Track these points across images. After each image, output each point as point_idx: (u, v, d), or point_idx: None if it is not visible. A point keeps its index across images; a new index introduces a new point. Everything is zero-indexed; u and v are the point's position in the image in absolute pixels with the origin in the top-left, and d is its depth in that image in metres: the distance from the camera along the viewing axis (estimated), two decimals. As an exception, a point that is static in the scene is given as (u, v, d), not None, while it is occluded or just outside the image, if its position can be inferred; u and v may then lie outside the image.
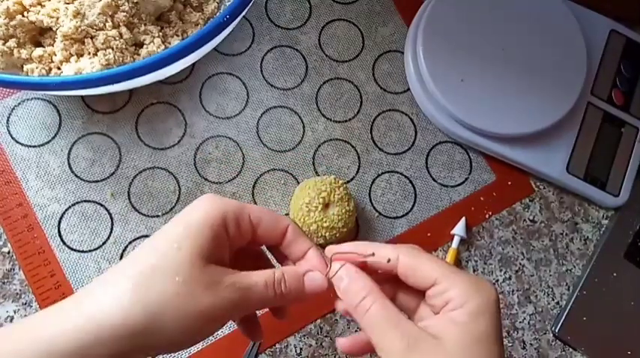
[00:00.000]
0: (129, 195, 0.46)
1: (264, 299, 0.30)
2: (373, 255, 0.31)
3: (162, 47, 0.42)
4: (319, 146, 0.49)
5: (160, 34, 0.43)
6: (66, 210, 0.45)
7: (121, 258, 0.45)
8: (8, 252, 0.44)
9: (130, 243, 0.45)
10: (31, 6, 0.41)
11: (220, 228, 0.29)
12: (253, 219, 0.31)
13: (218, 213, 0.29)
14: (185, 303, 0.27)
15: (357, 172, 0.49)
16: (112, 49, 0.41)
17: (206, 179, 0.47)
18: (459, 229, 0.48)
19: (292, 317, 0.45)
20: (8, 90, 0.46)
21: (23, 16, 0.41)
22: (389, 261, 0.30)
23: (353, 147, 0.50)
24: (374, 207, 0.49)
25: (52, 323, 0.26)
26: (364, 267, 0.31)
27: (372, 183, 0.49)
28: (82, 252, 0.44)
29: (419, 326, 0.29)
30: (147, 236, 0.45)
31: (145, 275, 0.27)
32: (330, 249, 0.32)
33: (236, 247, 0.31)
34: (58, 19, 0.41)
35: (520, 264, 0.50)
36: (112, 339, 0.26)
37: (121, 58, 0.41)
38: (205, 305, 0.27)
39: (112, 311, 0.26)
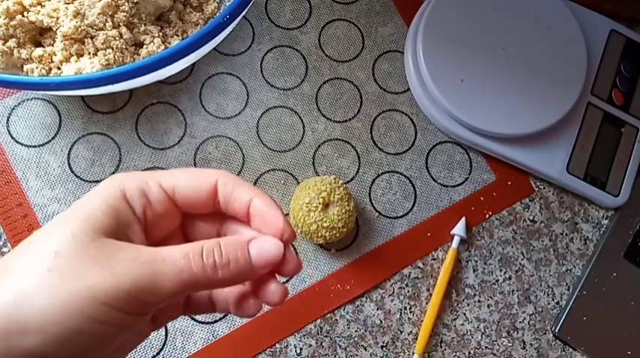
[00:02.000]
0: (129, 195, 0.46)
1: (187, 277, 0.23)
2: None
3: (162, 47, 0.42)
4: (319, 146, 0.49)
5: (160, 34, 0.43)
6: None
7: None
8: (8, 252, 0.44)
9: (130, 243, 0.45)
10: (31, 6, 0.41)
11: (119, 203, 0.24)
12: (165, 186, 0.25)
13: (115, 187, 0.25)
14: (61, 280, 0.22)
15: (357, 172, 0.49)
16: (112, 49, 0.41)
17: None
18: (459, 229, 0.48)
19: (292, 318, 0.45)
20: (8, 90, 0.46)
21: (23, 16, 0.41)
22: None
23: (353, 147, 0.50)
24: (374, 207, 0.49)
25: None
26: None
27: (372, 183, 0.49)
28: (82, 252, 0.44)
29: None
30: (147, 236, 0.45)
31: (16, 253, 0.23)
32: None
33: (166, 226, 0.26)
34: (58, 19, 0.41)
35: (520, 264, 0.50)
36: None
37: (121, 58, 0.41)
38: (90, 282, 0.22)
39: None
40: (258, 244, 0.25)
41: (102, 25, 0.41)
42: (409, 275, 0.48)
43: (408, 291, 0.47)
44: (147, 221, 0.25)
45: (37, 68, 0.41)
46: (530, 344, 0.48)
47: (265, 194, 0.27)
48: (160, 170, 0.27)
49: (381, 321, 0.47)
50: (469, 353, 0.47)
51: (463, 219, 0.49)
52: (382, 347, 0.46)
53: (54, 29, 0.41)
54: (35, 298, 0.21)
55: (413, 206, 0.49)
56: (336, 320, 0.46)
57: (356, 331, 0.46)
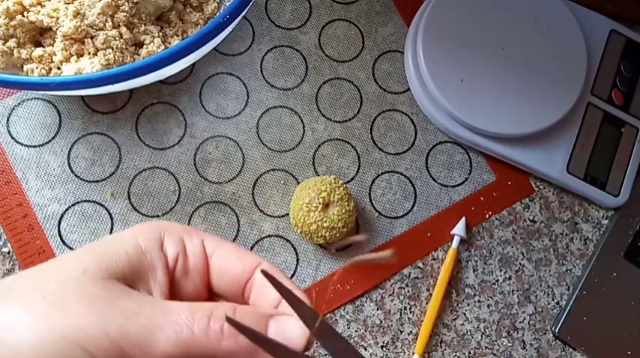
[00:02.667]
0: (129, 195, 0.46)
1: (186, 339, 0.20)
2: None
3: (162, 47, 0.42)
4: (319, 146, 0.49)
5: (160, 34, 0.43)
6: (66, 210, 0.45)
7: (121, 258, 0.45)
8: (8, 252, 0.44)
9: (130, 243, 0.45)
10: (31, 6, 0.41)
11: (152, 246, 0.23)
12: (207, 244, 0.24)
13: (154, 229, 0.23)
14: (50, 311, 0.20)
15: (357, 172, 0.49)
16: (112, 49, 0.41)
17: (206, 179, 0.47)
18: (459, 229, 0.48)
19: (292, 317, 0.45)
20: (8, 90, 0.46)
21: (23, 16, 0.41)
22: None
23: (353, 147, 0.50)
24: (374, 207, 0.49)
25: None
26: None
27: (372, 183, 0.49)
28: (82, 252, 0.44)
29: None
30: (147, 236, 0.45)
31: (27, 274, 0.22)
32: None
33: (193, 288, 0.24)
34: (58, 19, 0.41)
35: (520, 264, 0.50)
36: None
37: (121, 58, 0.41)
38: (78, 321, 0.20)
39: None
40: (281, 322, 0.21)
41: (102, 25, 0.41)
42: (409, 276, 0.48)
43: (408, 291, 0.47)
44: (175, 272, 0.23)
45: (37, 68, 0.41)
46: (530, 344, 0.48)
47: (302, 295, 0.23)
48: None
49: (381, 321, 0.47)
50: (469, 353, 0.47)
51: (463, 219, 0.49)
52: (382, 347, 0.46)
53: (54, 29, 0.41)
54: (18, 326, 0.20)
55: (413, 206, 0.49)
56: (336, 320, 0.46)
57: (356, 331, 0.46)
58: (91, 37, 0.41)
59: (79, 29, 0.40)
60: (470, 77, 0.49)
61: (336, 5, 0.52)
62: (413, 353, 0.46)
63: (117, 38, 0.41)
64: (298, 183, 0.48)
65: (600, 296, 0.49)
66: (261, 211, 0.47)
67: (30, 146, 0.46)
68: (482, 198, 0.50)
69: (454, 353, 0.47)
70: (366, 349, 0.46)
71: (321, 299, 0.46)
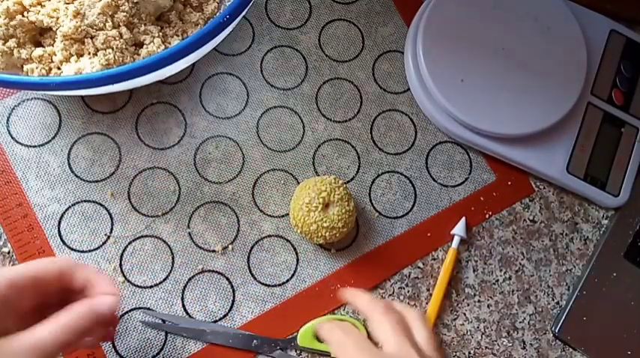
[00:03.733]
0: (129, 195, 0.46)
1: (59, 344, 0.30)
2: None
3: (162, 47, 0.42)
4: (319, 146, 0.49)
5: (160, 34, 0.43)
6: (66, 210, 0.45)
7: (121, 258, 0.45)
8: (8, 252, 0.44)
9: (129, 243, 0.45)
10: (31, 6, 0.41)
11: None
12: (25, 278, 0.32)
13: None
14: None
15: (357, 172, 0.49)
16: (112, 49, 0.41)
17: (206, 179, 0.47)
18: (459, 229, 0.48)
19: (292, 318, 0.45)
20: (8, 90, 0.46)
21: (23, 16, 0.41)
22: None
23: (353, 147, 0.50)
24: (374, 207, 0.49)
25: None
26: None
27: (372, 183, 0.49)
28: (82, 252, 0.44)
29: None
30: (147, 236, 0.45)
31: None
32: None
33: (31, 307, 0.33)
34: (58, 19, 0.41)
35: (520, 264, 0.50)
36: None
37: (121, 58, 0.41)
38: None
39: None
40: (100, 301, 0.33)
41: (102, 25, 0.41)
42: (409, 275, 0.48)
43: (408, 291, 0.47)
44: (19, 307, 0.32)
45: (37, 68, 0.41)
46: (530, 344, 0.48)
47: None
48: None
49: (381, 321, 0.47)
50: (469, 353, 0.47)
51: (463, 219, 0.49)
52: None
53: (54, 29, 0.41)
54: None
55: (413, 206, 0.49)
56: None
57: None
58: (91, 37, 0.41)
59: (79, 29, 0.40)
60: (470, 77, 0.49)
61: (336, 5, 0.52)
62: (413, 353, 0.46)
63: (117, 38, 0.41)
64: (298, 183, 0.48)
65: (600, 296, 0.49)
66: (261, 211, 0.47)
67: (30, 146, 0.46)
68: (482, 198, 0.50)
69: (454, 353, 0.47)
70: (366, 349, 0.46)
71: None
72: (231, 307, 0.45)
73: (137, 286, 0.44)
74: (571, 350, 0.48)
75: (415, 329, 0.35)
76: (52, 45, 0.42)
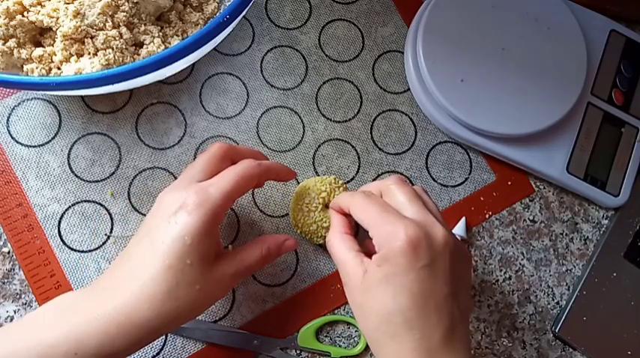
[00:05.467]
0: (129, 195, 0.46)
1: (255, 268, 0.37)
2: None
3: (162, 47, 0.42)
4: (319, 146, 0.49)
5: (160, 34, 0.43)
6: (66, 210, 0.45)
7: (121, 258, 0.45)
8: (8, 252, 0.44)
9: (130, 243, 0.45)
10: (31, 6, 0.41)
11: (215, 228, 0.35)
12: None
13: (212, 220, 0.34)
14: (205, 300, 0.35)
15: (357, 172, 0.49)
16: (112, 49, 0.41)
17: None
18: (459, 229, 0.48)
19: (292, 318, 0.45)
20: (8, 90, 0.46)
21: (23, 16, 0.41)
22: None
23: (353, 147, 0.50)
24: (374, 207, 0.49)
25: (88, 314, 0.32)
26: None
27: (372, 183, 0.49)
28: (82, 252, 0.44)
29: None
30: (147, 236, 0.45)
31: (171, 288, 0.32)
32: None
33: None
34: (58, 19, 0.41)
35: (520, 264, 0.50)
36: (139, 332, 0.32)
37: (121, 58, 0.41)
38: (219, 295, 0.36)
39: (148, 314, 0.32)
40: (288, 244, 0.40)
41: (102, 25, 0.41)
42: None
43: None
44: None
45: (37, 68, 0.41)
46: (530, 344, 0.48)
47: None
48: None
49: (381, 321, 0.47)
50: (469, 353, 0.47)
51: (463, 219, 0.49)
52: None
53: (54, 29, 0.41)
54: (191, 314, 0.35)
55: (413, 206, 0.49)
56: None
57: (356, 331, 0.46)
58: (91, 37, 0.41)
59: (79, 29, 0.40)
60: (470, 77, 0.49)
61: (336, 5, 0.52)
62: (413, 353, 0.46)
63: (117, 38, 0.41)
64: (298, 183, 0.48)
65: (600, 296, 0.49)
66: (261, 211, 0.47)
67: (30, 146, 0.46)
68: (482, 198, 0.50)
69: (454, 353, 0.47)
70: (366, 349, 0.46)
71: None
72: (231, 307, 0.45)
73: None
74: (571, 350, 0.48)
75: (395, 197, 0.37)
76: (52, 45, 0.42)
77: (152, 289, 0.32)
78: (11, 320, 0.43)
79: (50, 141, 0.46)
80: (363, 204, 0.36)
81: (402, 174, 0.50)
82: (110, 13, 0.41)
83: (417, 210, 0.35)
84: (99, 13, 0.40)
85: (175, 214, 0.33)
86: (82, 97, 0.47)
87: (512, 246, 0.50)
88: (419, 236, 0.33)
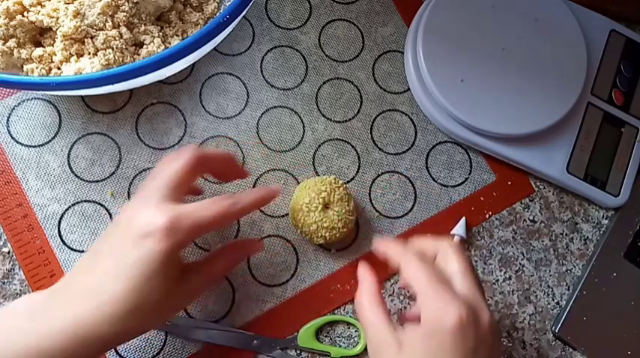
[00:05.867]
0: (129, 195, 0.46)
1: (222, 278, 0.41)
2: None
3: (162, 47, 0.42)
4: (319, 146, 0.49)
5: (160, 34, 0.43)
6: (66, 210, 0.45)
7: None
8: (8, 252, 0.44)
9: (130, 243, 0.45)
10: (31, 6, 0.41)
11: (180, 251, 0.35)
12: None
13: (178, 249, 0.34)
14: (170, 314, 0.37)
15: (357, 172, 0.49)
16: (112, 49, 0.41)
17: (206, 179, 0.47)
18: (459, 229, 0.48)
19: (292, 318, 0.45)
20: (8, 90, 0.46)
21: (23, 16, 0.41)
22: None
23: (353, 147, 0.50)
24: (374, 207, 0.49)
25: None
26: None
27: (372, 183, 0.49)
28: (82, 252, 0.44)
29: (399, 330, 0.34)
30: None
31: (133, 309, 0.33)
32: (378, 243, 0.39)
33: None
34: (58, 19, 0.41)
35: (520, 264, 0.50)
36: (101, 345, 0.33)
37: (121, 58, 0.41)
38: (185, 305, 0.39)
39: (110, 330, 0.32)
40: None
41: (102, 25, 0.41)
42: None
43: (408, 291, 0.47)
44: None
45: (37, 68, 0.41)
46: (530, 344, 0.48)
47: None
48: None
49: (381, 321, 0.47)
50: (469, 353, 0.47)
51: (463, 219, 0.49)
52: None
53: (54, 29, 0.41)
54: (156, 320, 0.37)
55: (413, 206, 0.49)
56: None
57: (356, 331, 0.46)
58: (91, 37, 0.41)
59: (79, 29, 0.40)
60: (470, 77, 0.49)
61: (336, 5, 0.52)
62: (413, 353, 0.46)
63: (117, 38, 0.41)
64: (298, 183, 0.48)
65: (600, 296, 0.49)
66: (261, 211, 0.47)
67: (30, 146, 0.46)
68: (482, 198, 0.50)
69: (454, 353, 0.47)
70: (366, 349, 0.46)
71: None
72: (231, 307, 0.45)
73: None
74: (571, 350, 0.48)
75: (449, 263, 0.36)
76: (52, 45, 0.42)
77: (113, 309, 0.32)
78: (11, 320, 0.43)
79: (50, 141, 0.46)
80: (417, 268, 0.35)
81: (401, 174, 0.50)
82: (110, 13, 0.41)
83: (468, 287, 0.34)
84: (99, 13, 0.40)
85: (144, 238, 0.33)
86: (82, 97, 0.47)
87: (512, 246, 0.50)
88: (469, 318, 0.32)
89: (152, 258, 0.33)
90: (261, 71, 0.50)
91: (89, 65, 0.40)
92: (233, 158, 0.41)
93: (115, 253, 0.34)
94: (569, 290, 0.50)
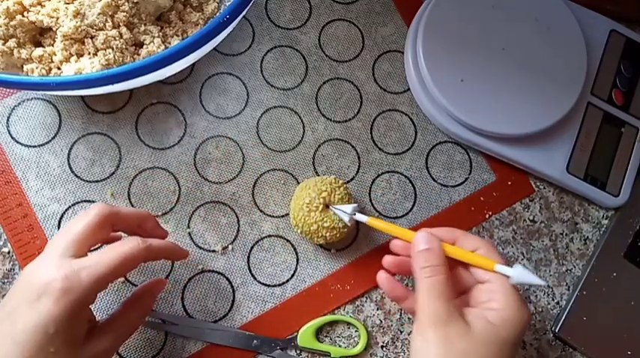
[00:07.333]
0: (129, 195, 0.46)
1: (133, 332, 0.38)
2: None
3: (162, 47, 0.42)
4: (319, 146, 0.49)
5: (160, 34, 0.43)
6: (66, 210, 0.45)
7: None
8: (8, 252, 0.44)
9: (130, 243, 0.45)
10: (31, 6, 0.41)
11: (85, 311, 0.33)
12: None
13: (79, 307, 0.32)
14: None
15: (357, 172, 0.49)
16: (112, 49, 0.41)
17: (206, 179, 0.47)
18: (349, 208, 0.48)
19: (292, 318, 0.45)
20: (8, 90, 0.46)
21: (23, 16, 0.41)
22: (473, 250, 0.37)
23: (353, 147, 0.50)
24: (374, 207, 0.49)
25: None
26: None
27: (372, 183, 0.49)
28: (82, 252, 0.44)
29: (461, 309, 0.35)
30: (147, 236, 0.45)
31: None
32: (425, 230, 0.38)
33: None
34: (58, 19, 0.41)
35: (520, 264, 0.50)
36: None
37: (121, 58, 0.41)
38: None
39: None
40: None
41: (102, 25, 0.41)
42: (409, 276, 0.48)
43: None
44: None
45: (37, 68, 0.41)
46: (530, 344, 0.48)
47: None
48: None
49: (381, 321, 0.47)
50: (469, 353, 0.47)
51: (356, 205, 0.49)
52: (382, 347, 0.46)
53: (54, 29, 0.41)
54: None
55: (413, 206, 0.49)
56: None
57: (356, 331, 0.46)
58: (91, 37, 0.41)
59: (79, 29, 0.40)
60: (470, 77, 0.49)
61: (336, 5, 0.52)
62: (413, 353, 0.46)
63: (117, 38, 0.41)
64: (298, 183, 0.48)
65: (600, 296, 0.49)
66: (261, 211, 0.47)
67: (30, 146, 0.46)
68: (482, 198, 0.50)
69: (454, 353, 0.47)
70: (366, 349, 0.46)
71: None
72: (231, 307, 0.45)
73: (137, 286, 0.44)
74: (571, 350, 0.48)
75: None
76: (52, 45, 0.42)
77: None
78: (11, 320, 0.43)
79: (50, 141, 0.46)
80: (503, 269, 0.37)
81: (401, 174, 0.50)
82: (110, 13, 0.41)
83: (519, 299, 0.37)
84: (99, 13, 0.40)
85: (39, 300, 0.31)
86: (82, 97, 0.47)
87: (512, 246, 0.50)
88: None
89: (47, 321, 0.30)
90: (261, 71, 0.50)
91: (89, 65, 0.40)
92: (150, 218, 0.40)
93: (12, 317, 0.32)
94: (569, 290, 0.50)
